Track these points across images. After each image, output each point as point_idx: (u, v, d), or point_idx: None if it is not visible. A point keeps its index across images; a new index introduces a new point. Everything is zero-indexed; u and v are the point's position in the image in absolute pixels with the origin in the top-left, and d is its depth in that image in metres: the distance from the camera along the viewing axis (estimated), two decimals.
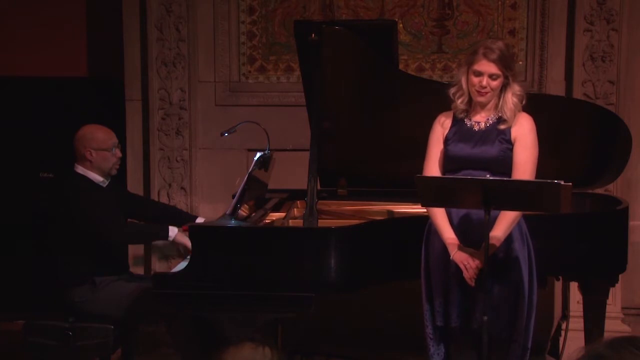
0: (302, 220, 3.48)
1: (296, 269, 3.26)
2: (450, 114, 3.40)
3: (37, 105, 5.49)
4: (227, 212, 3.53)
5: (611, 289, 3.99)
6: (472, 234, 3.27)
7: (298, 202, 4.23)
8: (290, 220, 3.87)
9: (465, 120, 3.36)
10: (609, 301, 4.00)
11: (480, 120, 3.35)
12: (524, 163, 3.28)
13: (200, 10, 4.99)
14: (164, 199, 4.99)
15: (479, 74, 3.25)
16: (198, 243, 3.30)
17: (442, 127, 3.39)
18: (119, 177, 4.31)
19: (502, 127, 3.31)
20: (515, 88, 3.31)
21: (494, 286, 3.25)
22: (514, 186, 3.13)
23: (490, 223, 3.15)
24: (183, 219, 4.17)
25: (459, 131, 3.35)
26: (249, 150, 4.90)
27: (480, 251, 3.18)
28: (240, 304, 3.27)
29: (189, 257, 3.40)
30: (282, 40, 5.07)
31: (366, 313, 4.75)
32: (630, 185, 4.91)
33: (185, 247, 3.87)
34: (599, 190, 4.41)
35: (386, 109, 3.98)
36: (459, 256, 3.24)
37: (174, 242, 4.00)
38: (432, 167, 3.38)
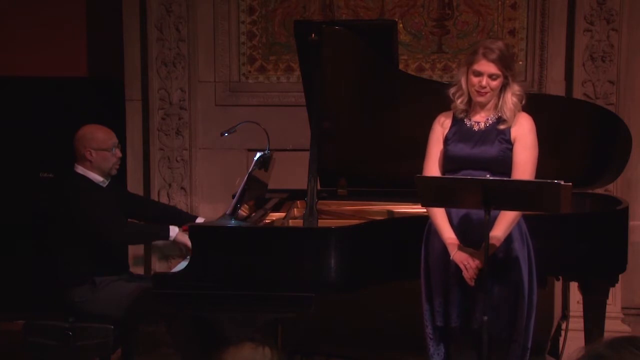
0: (302, 220, 3.48)
1: (296, 269, 3.26)
2: (450, 114, 3.40)
3: (37, 105, 5.49)
4: (227, 212, 3.53)
5: (611, 289, 3.99)
6: (472, 234, 3.27)
7: (298, 202, 4.23)
8: (290, 220, 3.87)
9: (465, 120, 3.36)
10: (609, 301, 4.00)
11: (480, 120, 3.35)
12: (524, 163, 3.28)
13: (200, 10, 4.99)
14: (164, 199, 4.99)
15: (479, 74, 3.25)
16: (198, 243, 3.30)
17: (441, 127, 3.39)
18: (119, 177, 4.31)
19: (501, 127, 3.31)
20: (515, 88, 3.31)
21: (494, 286, 3.25)
22: (514, 186, 3.13)
23: (490, 223, 3.15)
24: (183, 219, 4.17)
25: (459, 131, 3.35)
26: (249, 150, 4.90)
27: (480, 251, 3.18)
28: (240, 304, 3.27)
29: (189, 257, 3.40)
30: (282, 40, 5.07)
31: (366, 313, 4.75)
32: (630, 185, 4.91)
33: (186, 246, 3.86)
34: (599, 190, 4.41)
35: (386, 109, 3.98)
36: (459, 256, 3.24)
37: (175, 242, 4.00)
38: (432, 167, 3.38)
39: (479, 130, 3.33)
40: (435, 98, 3.44)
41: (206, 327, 3.67)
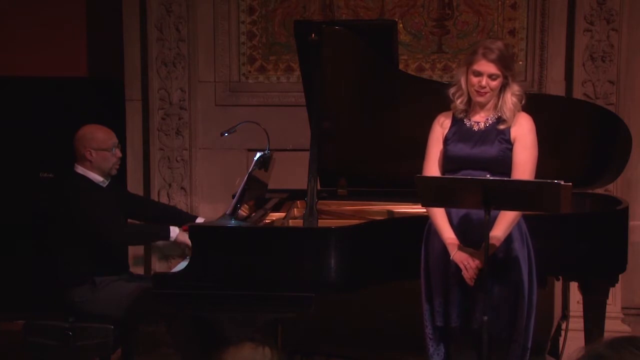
0: (302, 220, 3.48)
1: (296, 269, 3.26)
2: (450, 114, 3.40)
3: (37, 105, 5.49)
4: (227, 212, 3.53)
5: (611, 289, 3.99)
6: (472, 234, 3.27)
7: (298, 202, 4.23)
8: (290, 220, 3.87)
9: (465, 120, 3.36)
10: (609, 301, 4.00)
11: (480, 120, 3.35)
12: (524, 163, 3.28)
13: (200, 10, 4.99)
14: (164, 199, 4.99)
15: (479, 74, 3.25)
16: (198, 243, 3.30)
17: (441, 127, 3.39)
18: (119, 177, 4.31)
19: (501, 127, 3.31)
20: (515, 88, 3.31)
21: (494, 286, 3.25)
22: (514, 186, 3.13)
23: (490, 223, 3.15)
24: (183, 219, 4.17)
25: (459, 131, 3.35)
26: (249, 150, 4.90)
27: (480, 251, 3.18)
28: (240, 304, 3.27)
29: (189, 257, 3.40)
30: (282, 40, 5.07)
31: (366, 313, 4.75)
32: (630, 185, 4.91)
33: (187, 246, 3.86)
34: (599, 190, 4.41)
35: (386, 109, 3.98)
36: (459, 256, 3.24)
37: (176, 242, 4.00)
38: (432, 167, 3.38)
39: (479, 130, 3.33)
40: (435, 98, 3.44)
41: (206, 327, 3.67)
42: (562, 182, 2.94)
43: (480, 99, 3.29)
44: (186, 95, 4.99)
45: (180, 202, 4.99)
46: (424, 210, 3.43)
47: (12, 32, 5.47)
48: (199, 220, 4.21)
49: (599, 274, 3.82)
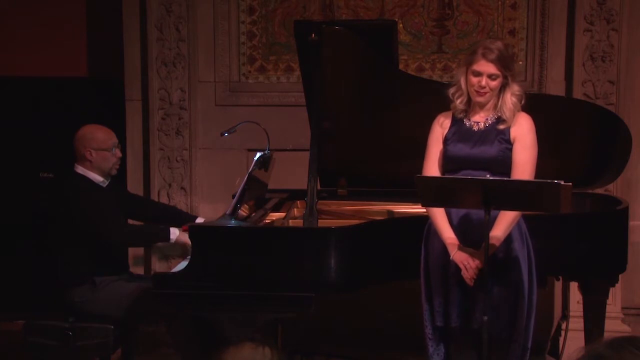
0: (302, 220, 3.48)
1: (296, 269, 3.26)
2: (450, 114, 3.40)
3: (37, 105, 5.49)
4: (227, 212, 3.53)
5: (611, 289, 3.99)
6: (471, 234, 3.27)
7: (298, 202, 4.23)
8: (290, 220, 3.87)
9: (465, 120, 3.36)
10: (609, 301, 4.00)
11: (480, 120, 3.35)
12: (524, 163, 3.28)
13: (200, 10, 4.99)
14: (164, 199, 4.99)
15: (478, 74, 3.25)
16: (198, 243, 3.30)
17: (441, 127, 3.39)
18: (119, 177, 4.31)
19: (501, 127, 3.31)
20: (515, 88, 3.31)
21: (493, 286, 3.25)
22: (514, 186, 3.13)
23: (490, 223, 3.15)
24: (183, 219, 4.18)
25: (458, 131, 3.35)
26: (249, 150, 4.90)
27: (480, 251, 3.18)
28: (240, 304, 3.27)
29: (189, 257, 3.40)
30: (282, 40, 5.07)
31: (366, 313, 4.75)
32: (630, 185, 4.91)
33: (187, 246, 3.86)
34: (599, 190, 4.41)
35: (386, 109, 3.98)
36: (458, 256, 3.24)
37: (176, 243, 4.00)
38: (432, 168, 3.38)
39: (479, 130, 3.33)
40: (435, 98, 3.44)
41: (206, 327, 3.67)
42: (562, 182, 2.94)
43: (480, 99, 3.29)
44: (186, 95, 4.99)
45: (180, 202, 4.99)
46: (424, 210, 3.43)
47: (12, 32, 5.47)
48: (199, 220, 4.21)
49: (599, 274, 3.82)
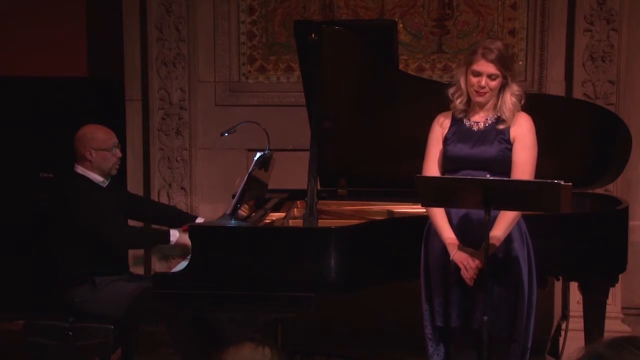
0: (302, 220, 3.48)
1: (296, 269, 3.26)
2: (449, 114, 3.40)
3: (37, 105, 5.49)
4: (227, 212, 3.53)
5: (611, 289, 3.99)
6: (471, 234, 3.27)
7: (298, 202, 4.23)
8: (290, 220, 3.87)
9: (464, 120, 3.36)
10: (609, 301, 4.00)
11: (479, 120, 3.35)
12: (524, 163, 3.28)
13: (200, 10, 4.99)
14: (164, 199, 4.99)
15: (478, 74, 3.25)
16: (198, 243, 3.30)
17: (441, 127, 3.39)
18: (119, 177, 4.31)
19: (501, 127, 3.31)
20: (514, 88, 3.31)
21: (493, 286, 3.25)
22: (514, 186, 3.13)
23: (490, 223, 3.15)
24: (183, 219, 4.18)
25: (458, 131, 3.35)
26: (249, 150, 4.90)
27: (480, 251, 3.18)
28: (240, 304, 3.27)
29: (189, 257, 3.40)
30: (282, 40, 5.07)
31: (366, 313, 4.75)
32: (630, 185, 4.91)
33: (187, 247, 3.86)
34: (599, 190, 4.41)
35: (386, 109, 3.98)
36: (458, 256, 3.24)
37: (177, 245, 4.00)
38: (432, 168, 3.38)
39: (478, 130, 3.33)
40: (435, 98, 3.44)
41: (206, 327, 3.67)
42: (562, 182, 2.94)
43: (480, 99, 3.29)
44: (186, 95, 4.99)
45: (180, 202, 4.99)
46: (424, 210, 3.43)
47: (12, 32, 5.47)
48: (199, 220, 4.21)
49: (599, 274, 3.82)
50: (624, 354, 1.58)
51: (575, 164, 4.07)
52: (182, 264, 3.52)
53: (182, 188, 5.04)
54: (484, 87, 3.25)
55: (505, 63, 3.26)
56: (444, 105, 3.40)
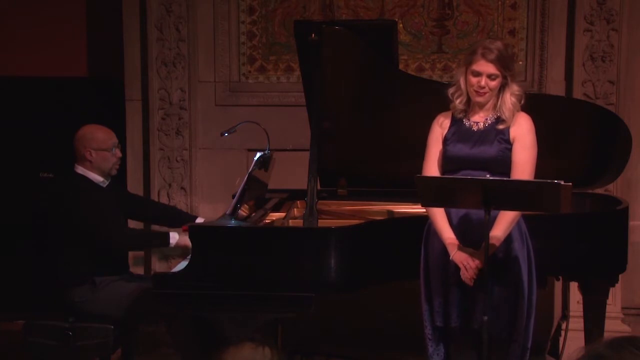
0: (302, 220, 3.48)
1: (296, 269, 3.26)
2: (449, 114, 3.40)
3: (37, 105, 5.49)
4: (227, 212, 3.53)
5: (611, 289, 3.99)
6: (471, 234, 3.27)
7: (298, 202, 4.23)
8: (290, 220, 3.87)
9: (464, 120, 3.36)
10: (609, 301, 4.00)
11: (479, 120, 3.35)
12: (523, 163, 3.28)
13: (200, 10, 4.99)
14: (164, 199, 4.99)
15: (478, 74, 3.25)
16: (198, 243, 3.30)
17: (440, 127, 3.39)
18: (119, 177, 4.31)
19: (500, 127, 3.31)
20: (514, 88, 3.31)
21: (493, 286, 3.25)
22: (514, 186, 3.13)
23: (490, 223, 3.15)
24: (183, 219, 4.17)
25: (458, 131, 3.35)
26: (249, 150, 4.90)
27: (480, 251, 3.18)
28: (240, 304, 3.27)
29: (189, 257, 3.40)
30: (282, 40, 5.07)
31: (366, 313, 4.75)
32: (630, 185, 4.91)
33: (188, 248, 3.85)
34: (599, 190, 4.41)
35: (386, 109, 3.98)
36: (458, 256, 3.24)
37: (176, 246, 4.00)
38: (431, 168, 3.38)
39: (478, 130, 3.33)
40: (435, 98, 3.44)
41: (206, 327, 3.67)
42: (562, 182, 2.94)
43: (480, 99, 3.29)
44: (186, 95, 4.99)
45: (180, 202, 4.99)
46: (424, 210, 3.43)
47: (12, 32, 5.46)
48: (199, 220, 4.21)
49: (599, 274, 3.82)
50: (624, 354, 1.58)
51: (575, 164, 4.07)
52: (182, 264, 3.52)
53: (182, 188, 5.04)
54: (483, 87, 3.25)
55: (505, 63, 3.26)
56: (444, 105, 3.40)
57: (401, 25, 4.95)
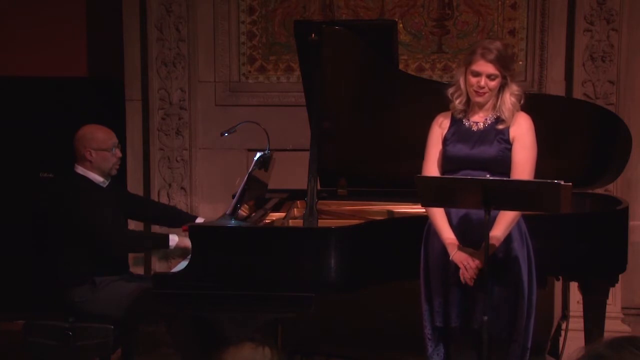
0: (302, 220, 3.48)
1: (296, 269, 3.26)
2: (449, 114, 3.40)
3: (37, 105, 5.49)
4: (227, 212, 3.53)
5: (611, 289, 3.99)
6: (471, 234, 3.27)
7: (298, 202, 4.23)
8: (290, 220, 3.87)
9: (464, 120, 3.36)
10: (609, 301, 4.00)
11: (479, 120, 3.35)
12: (523, 163, 3.28)
13: (200, 10, 4.99)
14: (164, 199, 4.99)
15: (477, 74, 3.25)
16: (198, 243, 3.30)
17: (440, 127, 3.39)
18: (119, 177, 4.31)
19: (500, 127, 3.31)
20: (514, 88, 3.31)
21: (493, 286, 3.25)
22: (514, 186, 3.13)
23: (490, 223, 3.15)
24: (183, 219, 4.17)
25: (458, 131, 3.35)
26: (249, 150, 4.90)
27: (480, 251, 3.18)
28: (240, 304, 3.27)
29: (189, 257, 3.40)
30: (282, 40, 5.07)
31: (366, 313, 4.75)
32: (630, 185, 4.91)
33: (187, 249, 3.85)
34: (599, 190, 4.41)
35: (386, 109, 3.98)
36: (458, 256, 3.24)
37: (176, 248, 4.00)
38: (431, 168, 3.38)
39: (478, 130, 3.33)
40: (435, 98, 3.44)
41: (206, 327, 3.67)
42: (562, 182, 2.94)
43: (479, 99, 3.30)
44: (186, 95, 4.99)
45: (180, 202, 4.99)
46: (424, 210, 3.43)
47: (12, 32, 5.47)
48: (199, 220, 4.21)
49: (599, 274, 3.82)
50: (624, 354, 1.58)
51: (575, 164, 4.07)
52: (182, 264, 3.52)
53: (182, 188, 5.04)
54: (483, 87, 3.25)
55: (504, 63, 3.26)
56: (444, 105, 3.40)
57: (401, 25, 4.96)
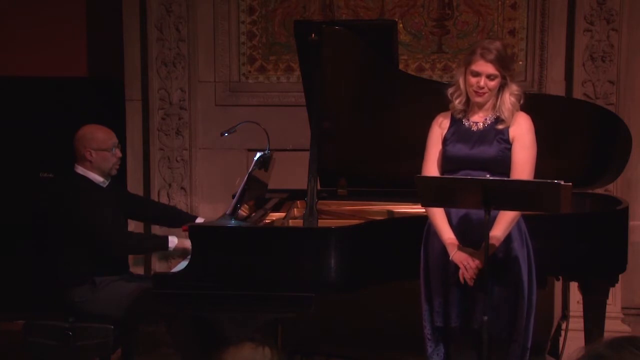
0: (302, 220, 3.48)
1: (296, 269, 3.26)
2: (448, 114, 3.40)
3: (37, 105, 5.49)
4: (227, 212, 3.53)
5: (611, 289, 3.99)
6: (471, 234, 3.27)
7: (298, 202, 4.23)
8: (290, 220, 3.87)
9: (464, 120, 3.36)
10: (609, 301, 4.00)
11: (479, 120, 3.35)
12: (523, 163, 3.28)
13: (200, 10, 4.99)
14: (164, 199, 4.99)
15: (477, 74, 3.25)
16: (198, 243, 3.30)
17: (440, 127, 3.39)
18: (119, 177, 4.31)
19: (500, 127, 3.31)
20: (513, 88, 3.31)
21: (493, 286, 3.25)
22: (514, 186, 3.13)
23: (490, 223, 3.15)
24: (183, 219, 4.17)
25: (457, 131, 3.35)
26: (249, 150, 4.90)
27: (480, 251, 3.18)
28: (240, 304, 3.27)
29: (189, 257, 3.40)
30: (282, 40, 5.07)
31: (366, 313, 4.75)
32: (630, 185, 4.91)
33: (187, 250, 3.85)
34: (599, 190, 4.41)
35: (386, 109, 3.98)
36: (458, 256, 3.24)
37: (176, 249, 4.01)
38: (431, 168, 3.38)
39: (478, 130, 3.33)
40: (435, 98, 3.44)
41: (206, 327, 3.67)
42: (562, 182, 2.94)
43: (479, 99, 3.30)
44: (186, 95, 4.99)
45: (180, 202, 4.99)
46: (424, 210, 3.43)
47: (12, 32, 5.47)
48: (199, 220, 4.21)
49: (599, 274, 3.82)
50: (624, 354, 1.58)
51: (575, 164, 4.07)
52: (182, 264, 3.52)
53: (182, 188, 5.04)
54: (482, 88, 3.25)
55: (504, 63, 3.26)
56: (444, 105, 3.40)
57: (401, 25, 4.96)
